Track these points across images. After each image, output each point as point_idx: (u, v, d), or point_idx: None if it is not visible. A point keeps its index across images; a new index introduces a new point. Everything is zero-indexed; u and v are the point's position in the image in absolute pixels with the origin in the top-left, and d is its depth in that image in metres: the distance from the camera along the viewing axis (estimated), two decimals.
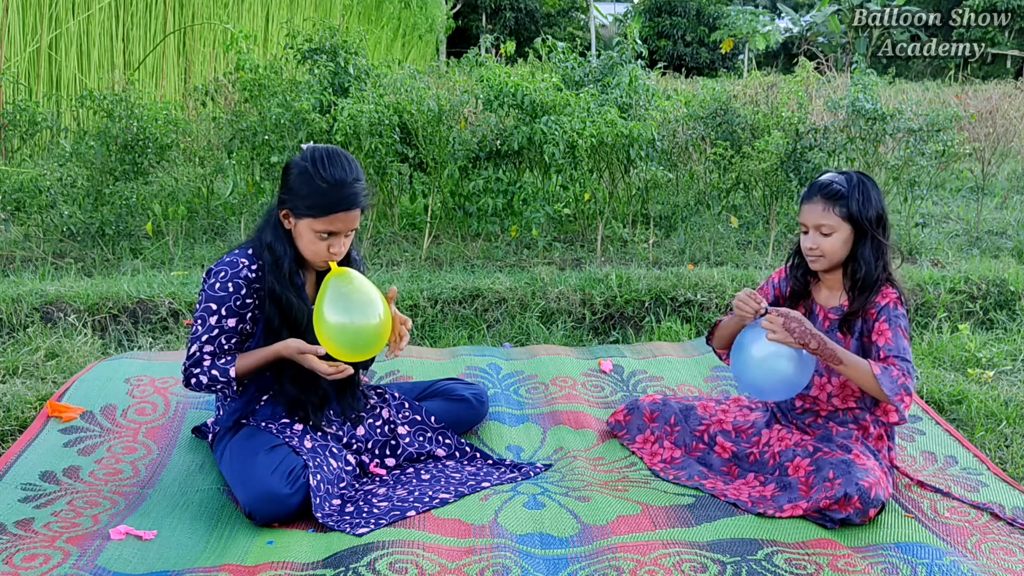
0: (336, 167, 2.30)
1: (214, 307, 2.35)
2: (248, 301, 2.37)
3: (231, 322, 2.36)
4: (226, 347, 2.37)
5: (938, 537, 2.16)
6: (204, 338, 2.35)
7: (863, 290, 2.38)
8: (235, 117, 5.36)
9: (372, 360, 2.68)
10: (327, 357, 2.33)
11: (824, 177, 2.40)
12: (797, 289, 2.54)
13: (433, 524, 2.21)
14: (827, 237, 2.37)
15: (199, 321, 2.35)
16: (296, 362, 2.36)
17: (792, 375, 2.32)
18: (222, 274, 2.35)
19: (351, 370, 2.33)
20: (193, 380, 2.35)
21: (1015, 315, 4.21)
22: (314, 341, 2.32)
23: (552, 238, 5.47)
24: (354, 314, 2.27)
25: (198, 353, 2.35)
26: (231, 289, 2.34)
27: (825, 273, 2.47)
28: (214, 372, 2.33)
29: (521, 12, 26.06)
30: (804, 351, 2.30)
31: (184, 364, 2.37)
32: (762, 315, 2.34)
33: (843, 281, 2.45)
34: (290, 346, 2.32)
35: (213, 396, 2.79)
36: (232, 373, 2.32)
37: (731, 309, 2.68)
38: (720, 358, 2.72)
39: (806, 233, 2.41)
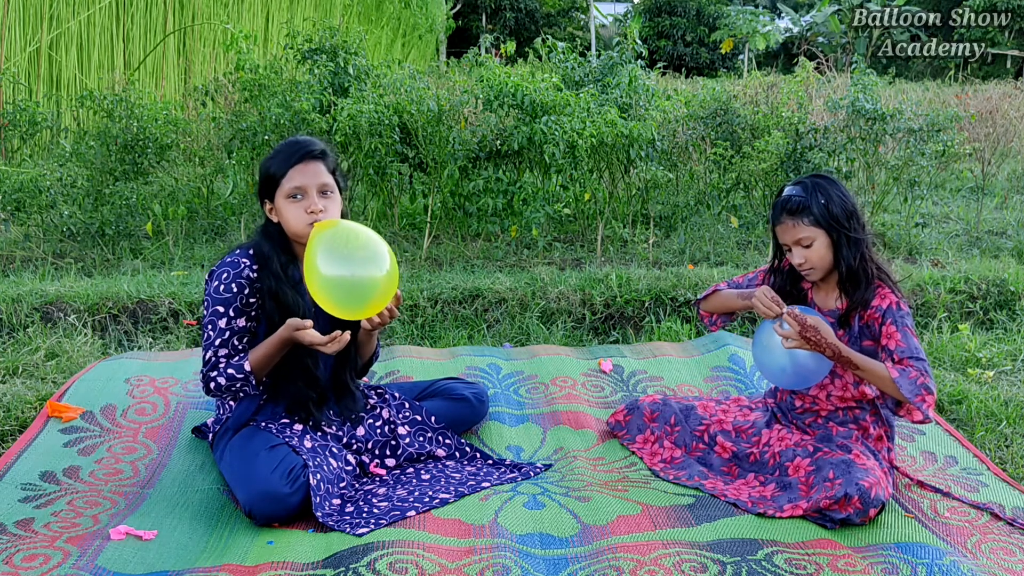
0: (287, 139, 2.44)
1: (221, 309, 2.34)
2: (252, 300, 2.37)
3: (241, 321, 2.36)
4: (240, 347, 2.37)
5: (938, 537, 2.16)
6: (218, 342, 2.34)
7: (854, 286, 2.39)
8: (235, 117, 5.36)
9: (371, 362, 2.68)
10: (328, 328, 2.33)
11: (783, 194, 2.41)
12: (790, 291, 2.55)
13: (433, 524, 2.21)
14: (810, 248, 2.37)
15: (209, 327, 2.35)
16: (296, 348, 2.36)
17: (813, 365, 2.35)
18: (224, 275, 2.36)
19: (347, 337, 2.29)
20: (212, 384, 2.34)
21: (1015, 315, 4.21)
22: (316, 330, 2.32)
23: (552, 238, 5.47)
24: (355, 264, 2.19)
25: (214, 358, 2.34)
26: (235, 289, 2.35)
27: (820, 280, 2.48)
28: (230, 371, 2.32)
29: (521, 12, 26.05)
30: None
31: (202, 371, 2.36)
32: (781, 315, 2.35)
33: (837, 283, 2.46)
34: (288, 326, 2.30)
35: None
36: (247, 367, 2.32)
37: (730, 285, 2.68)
38: (702, 319, 2.72)
39: (790, 251, 2.42)
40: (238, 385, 2.34)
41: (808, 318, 2.28)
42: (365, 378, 2.97)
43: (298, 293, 2.40)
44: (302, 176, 2.34)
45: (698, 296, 2.71)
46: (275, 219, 2.41)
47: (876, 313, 2.37)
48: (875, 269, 2.40)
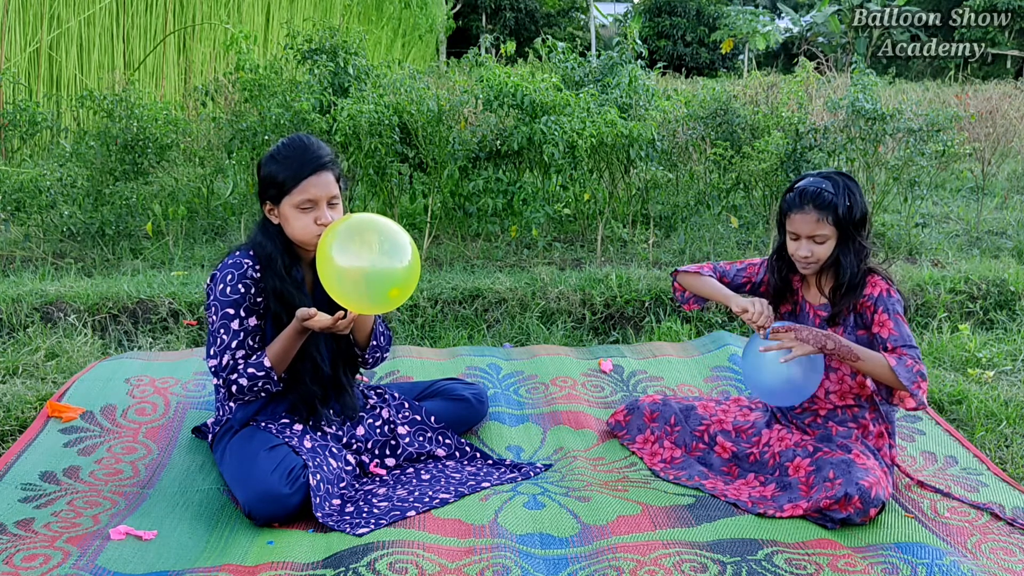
0: (294, 141, 2.37)
1: (232, 311, 2.34)
2: (259, 300, 2.37)
3: (252, 321, 2.36)
4: (254, 346, 2.36)
5: (938, 537, 2.16)
6: (234, 344, 2.33)
7: (848, 290, 2.39)
8: (235, 117, 5.37)
9: (378, 348, 2.67)
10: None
11: (811, 184, 2.37)
12: (781, 287, 2.55)
13: (433, 524, 2.21)
14: (821, 245, 2.38)
15: (221, 331, 2.33)
16: (307, 340, 2.37)
17: (803, 380, 2.37)
18: (229, 276, 2.35)
19: (354, 313, 2.28)
20: (235, 387, 2.33)
21: (1015, 315, 4.21)
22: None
23: (552, 238, 5.47)
24: (374, 253, 2.16)
25: (231, 360, 2.32)
26: (242, 290, 2.34)
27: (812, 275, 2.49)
28: (251, 370, 2.32)
29: (521, 12, 26.05)
30: (815, 356, 2.35)
31: (222, 376, 2.34)
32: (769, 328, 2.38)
33: (825, 278, 2.46)
34: (297, 317, 2.30)
35: (214, 396, 2.78)
36: (267, 363, 2.32)
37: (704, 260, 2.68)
38: (675, 291, 2.69)
39: (796, 239, 2.41)
40: (260, 383, 2.33)
41: (791, 326, 2.33)
42: (364, 377, 2.97)
43: (302, 293, 2.39)
44: (315, 188, 2.32)
45: (681, 267, 2.67)
46: (275, 220, 2.40)
47: (868, 301, 2.38)
48: (868, 269, 2.41)
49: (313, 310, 2.27)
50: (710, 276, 2.60)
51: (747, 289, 2.62)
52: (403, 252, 2.21)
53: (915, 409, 2.30)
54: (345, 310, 2.27)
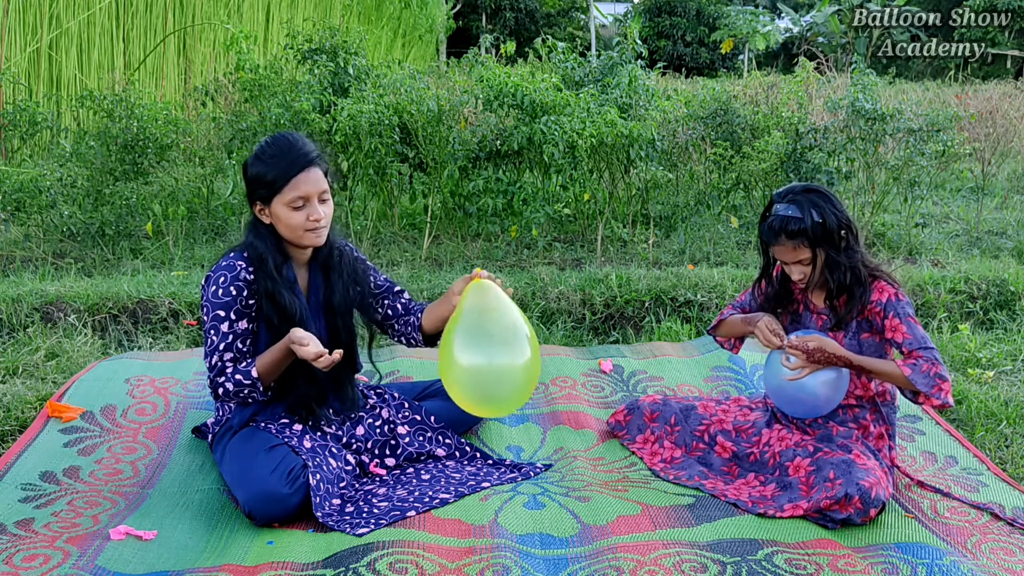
0: (279, 139, 2.36)
1: (222, 314, 2.34)
2: (251, 302, 2.37)
3: (242, 324, 2.36)
4: (244, 350, 2.36)
5: (938, 537, 2.16)
6: (222, 347, 2.33)
7: (850, 295, 2.40)
8: (235, 117, 5.37)
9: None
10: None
11: (779, 213, 2.37)
12: (777, 299, 2.56)
13: (433, 524, 2.21)
14: (808, 266, 2.40)
15: (212, 332, 2.33)
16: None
17: (827, 392, 2.38)
18: (222, 279, 2.35)
19: (338, 357, 2.26)
20: (220, 390, 2.34)
21: (1015, 315, 4.21)
22: (310, 332, 2.31)
23: (552, 238, 5.47)
24: (494, 350, 2.19)
25: (220, 363, 2.33)
26: (234, 293, 2.34)
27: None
28: (237, 376, 2.32)
29: (521, 12, 26.05)
30: (841, 369, 2.37)
31: (209, 377, 2.35)
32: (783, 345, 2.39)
33: (820, 287, 2.48)
34: (288, 336, 2.29)
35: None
36: (254, 373, 2.31)
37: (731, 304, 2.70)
38: (721, 345, 2.75)
39: (787, 265, 2.43)
40: (246, 391, 2.33)
41: (809, 342, 2.32)
42: (364, 377, 2.97)
43: (293, 294, 2.39)
44: (305, 185, 2.32)
45: (710, 328, 2.76)
46: (267, 220, 2.39)
47: (876, 307, 2.38)
48: (868, 273, 2.41)
49: (305, 338, 2.24)
50: (732, 315, 2.66)
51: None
52: (522, 347, 2.24)
53: (941, 408, 2.31)
54: (331, 351, 2.26)
